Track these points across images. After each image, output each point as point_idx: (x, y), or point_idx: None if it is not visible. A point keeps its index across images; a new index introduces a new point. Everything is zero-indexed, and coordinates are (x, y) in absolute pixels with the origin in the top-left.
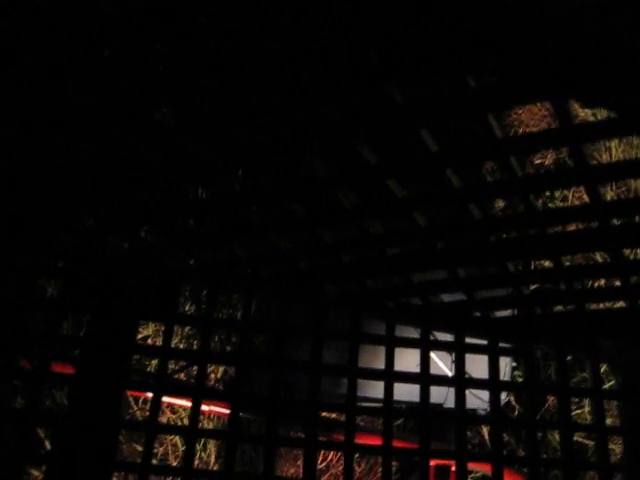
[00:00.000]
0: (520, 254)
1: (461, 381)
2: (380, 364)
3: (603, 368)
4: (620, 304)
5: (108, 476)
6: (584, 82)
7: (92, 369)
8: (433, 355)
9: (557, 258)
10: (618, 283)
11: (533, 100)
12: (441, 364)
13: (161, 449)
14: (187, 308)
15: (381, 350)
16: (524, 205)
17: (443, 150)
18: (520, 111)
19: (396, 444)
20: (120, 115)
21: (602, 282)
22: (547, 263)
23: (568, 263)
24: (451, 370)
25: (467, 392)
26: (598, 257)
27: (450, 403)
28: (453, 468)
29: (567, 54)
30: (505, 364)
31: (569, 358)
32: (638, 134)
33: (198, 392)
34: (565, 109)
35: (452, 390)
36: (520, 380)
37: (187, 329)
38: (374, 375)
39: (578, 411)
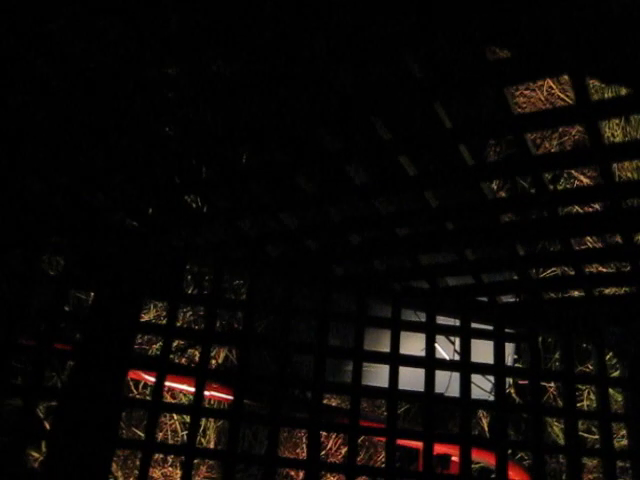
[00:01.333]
0: (529, 236)
1: (466, 365)
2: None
3: (608, 358)
4: (626, 290)
5: (110, 454)
6: (606, 55)
7: (95, 347)
8: (436, 344)
9: (567, 241)
10: (623, 268)
11: (551, 74)
12: (444, 353)
13: (160, 434)
14: (190, 291)
15: (384, 340)
16: (535, 185)
17: (456, 126)
18: (517, 94)
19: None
20: (129, 86)
21: (604, 268)
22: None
23: (577, 248)
24: (453, 359)
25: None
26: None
27: (452, 392)
28: (454, 458)
29: (589, 25)
30: (507, 354)
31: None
32: None
33: (202, 372)
34: (583, 84)
35: (454, 380)
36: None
37: (189, 314)
38: (379, 358)
39: (578, 404)
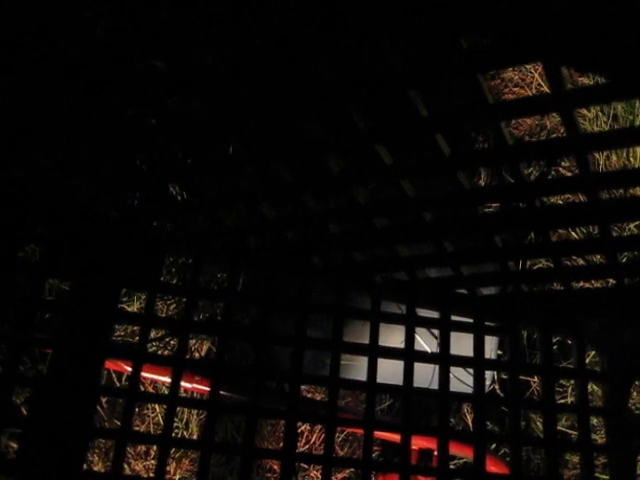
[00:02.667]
0: (508, 227)
1: (445, 358)
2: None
3: (590, 357)
4: (605, 283)
5: (85, 443)
6: (581, 44)
7: (72, 336)
8: (419, 339)
9: (545, 233)
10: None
11: (526, 62)
12: (426, 347)
13: (143, 427)
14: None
15: (365, 336)
16: (513, 176)
17: (433, 115)
18: (506, 91)
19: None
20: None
21: (582, 260)
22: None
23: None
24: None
25: (452, 376)
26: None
27: (434, 386)
28: (436, 453)
29: (565, 15)
30: (490, 350)
31: (555, 347)
32: (633, 98)
33: (178, 362)
34: (558, 73)
35: (437, 373)
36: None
37: (172, 307)
38: (358, 350)
39: (562, 400)
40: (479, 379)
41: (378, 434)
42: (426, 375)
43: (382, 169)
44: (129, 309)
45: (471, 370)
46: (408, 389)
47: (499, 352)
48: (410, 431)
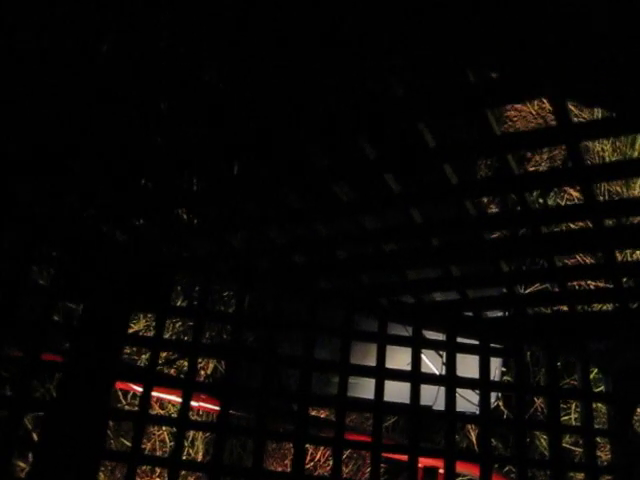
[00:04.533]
0: (513, 253)
1: (451, 379)
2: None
3: (593, 374)
4: (609, 306)
5: (96, 465)
6: (584, 80)
7: (83, 358)
8: (424, 358)
9: (550, 258)
10: (609, 285)
11: (532, 97)
12: (432, 367)
13: (149, 444)
14: (179, 304)
15: (372, 354)
16: (519, 203)
17: (440, 146)
18: (509, 108)
19: (386, 442)
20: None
21: (592, 284)
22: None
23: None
24: (442, 372)
25: (457, 395)
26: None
27: (439, 406)
28: (441, 470)
29: (569, 51)
30: (495, 368)
31: (559, 364)
32: (633, 132)
33: (189, 384)
34: (563, 107)
35: (442, 393)
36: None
37: (178, 325)
38: (365, 372)
39: (565, 417)
40: (484, 400)
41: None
42: (432, 391)
43: (389, 196)
44: (135, 327)
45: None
46: (415, 411)
47: (503, 369)
48: (417, 452)
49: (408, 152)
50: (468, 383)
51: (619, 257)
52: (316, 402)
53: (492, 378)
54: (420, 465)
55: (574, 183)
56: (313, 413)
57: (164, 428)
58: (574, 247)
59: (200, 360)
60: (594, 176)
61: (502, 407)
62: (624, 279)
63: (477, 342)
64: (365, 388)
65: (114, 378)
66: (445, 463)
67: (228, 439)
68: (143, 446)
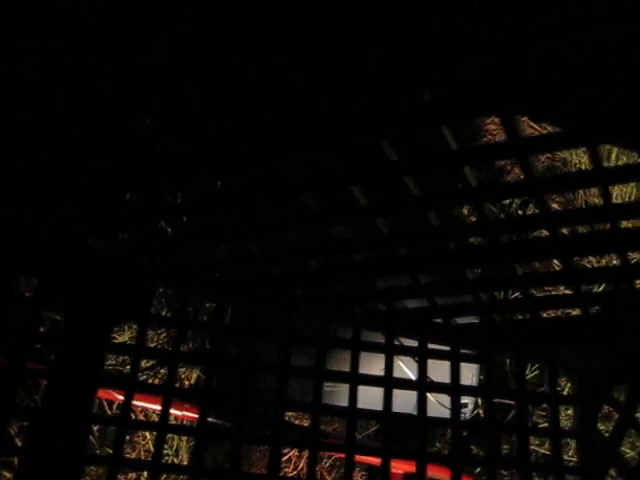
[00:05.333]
0: (476, 261)
1: (422, 385)
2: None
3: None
4: (573, 312)
5: (80, 470)
6: (533, 97)
7: (66, 367)
8: (402, 364)
9: (512, 266)
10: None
11: (482, 114)
12: (409, 373)
13: (133, 454)
14: (163, 314)
15: (349, 360)
16: (478, 213)
17: (401, 159)
18: (489, 122)
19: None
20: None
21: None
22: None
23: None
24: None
25: (435, 401)
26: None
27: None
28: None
29: (518, 70)
30: (472, 375)
31: (532, 375)
32: (581, 146)
33: (168, 390)
34: (513, 123)
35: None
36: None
37: (162, 336)
38: (339, 378)
39: (544, 422)
40: (455, 405)
41: (365, 459)
42: (411, 399)
43: (358, 208)
44: (120, 339)
45: None
46: (387, 415)
47: (481, 376)
48: (389, 455)
49: (371, 166)
50: (439, 388)
51: (586, 264)
52: (291, 407)
53: (470, 384)
54: (400, 471)
55: (528, 194)
56: (297, 422)
57: (149, 437)
58: (533, 255)
59: (184, 370)
60: (547, 188)
61: (482, 414)
62: (582, 285)
63: (448, 348)
64: (344, 395)
65: (96, 385)
66: (417, 466)
67: (211, 446)
68: (128, 455)
